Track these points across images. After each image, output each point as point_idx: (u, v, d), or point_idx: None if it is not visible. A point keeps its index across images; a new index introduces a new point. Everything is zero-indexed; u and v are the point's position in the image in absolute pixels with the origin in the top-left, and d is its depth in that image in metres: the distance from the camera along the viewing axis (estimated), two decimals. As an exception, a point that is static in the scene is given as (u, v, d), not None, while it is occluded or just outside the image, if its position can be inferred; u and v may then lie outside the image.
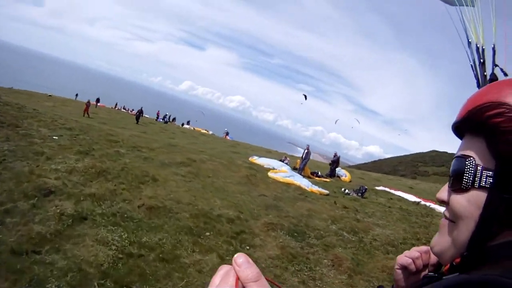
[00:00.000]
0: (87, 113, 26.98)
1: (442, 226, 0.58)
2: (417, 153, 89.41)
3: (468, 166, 0.52)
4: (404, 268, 0.78)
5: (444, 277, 0.55)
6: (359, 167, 71.74)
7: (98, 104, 41.45)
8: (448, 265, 0.56)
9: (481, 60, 0.82)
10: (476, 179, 0.51)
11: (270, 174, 13.38)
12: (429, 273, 0.71)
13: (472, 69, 0.83)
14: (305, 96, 41.31)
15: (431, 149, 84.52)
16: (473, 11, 0.89)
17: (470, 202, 0.52)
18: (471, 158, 0.52)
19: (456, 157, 0.56)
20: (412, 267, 0.76)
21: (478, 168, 0.51)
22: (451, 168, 0.56)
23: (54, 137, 11.32)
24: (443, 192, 0.58)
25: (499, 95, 0.49)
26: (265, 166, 15.31)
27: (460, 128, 0.58)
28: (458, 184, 0.53)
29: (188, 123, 45.96)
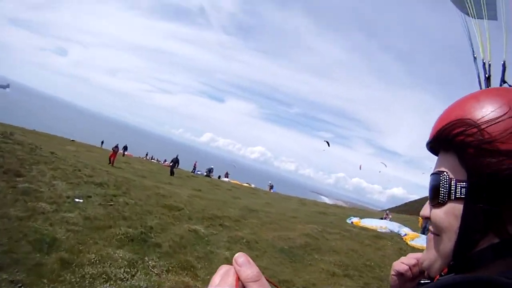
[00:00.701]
0: (112, 161, 22.58)
1: (428, 241, 0.60)
2: None
3: (443, 181, 0.55)
4: (400, 274, 0.78)
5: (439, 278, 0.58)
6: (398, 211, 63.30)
7: (126, 152, 37.56)
8: (437, 276, 0.58)
9: (487, 75, 0.87)
10: (452, 191, 0.54)
11: (411, 243, 11.91)
12: (423, 280, 0.72)
13: (479, 82, 0.87)
14: (328, 143, 41.23)
15: None
16: (481, 29, 0.93)
17: (448, 214, 0.54)
18: (445, 173, 0.55)
19: (432, 174, 0.59)
20: (409, 273, 0.77)
21: (452, 181, 0.54)
22: (428, 186, 0.59)
23: (76, 200, 6.77)
24: (425, 209, 0.60)
25: (462, 112, 0.53)
26: (378, 230, 13.50)
27: (434, 148, 0.61)
28: (436, 199, 0.56)
29: (226, 175, 42.79)
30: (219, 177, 41.16)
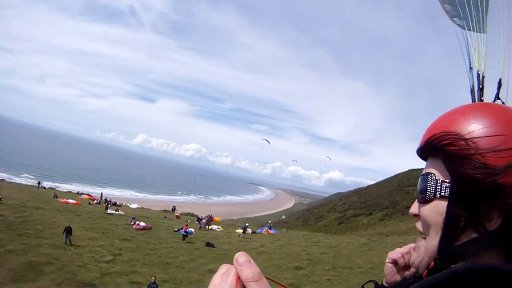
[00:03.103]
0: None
1: (418, 245, 0.77)
2: (396, 175, 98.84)
3: (430, 181, 0.71)
4: (395, 262, 1.01)
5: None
6: (350, 204, 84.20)
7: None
8: (426, 271, 0.72)
9: (480, 86, 1.00)
10: (438, 190, 0.69)
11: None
12: (417, 274, 0.83)
13: (471, 93, 1.00)
14: (268, 141, 54.86)
15: (409, 169, 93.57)
16: (478, 39, 1.07)
17: (433, 211, 0.70)
18: (432, 174, 0.71)
19: (421, 175, 0.75)
20: (402, 261, 0.99)
21: (438, 181, 0.69)
22: (418, 185, 0.75)
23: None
24: (414, 207, 0.77)
25: (451, 124, 0.70)
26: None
27: (423, 154, 0.79)
28: (424, 197, 0.72)
29: (210, 220, 34.79)
30: (200, 219, 34.77)
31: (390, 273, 1.03)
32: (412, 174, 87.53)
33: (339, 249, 24.32)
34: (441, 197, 0.69)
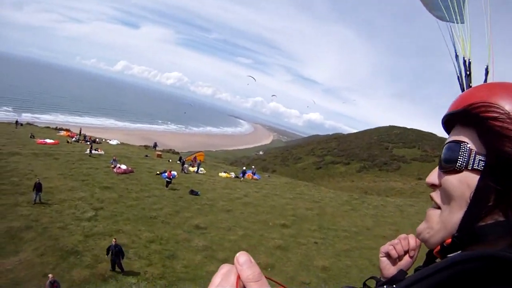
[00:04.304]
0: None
1: (429, 214, 0.70)
2: (376, 128, 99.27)
3: (463, 150, 0.64)
4: (387, 255, 0.99)
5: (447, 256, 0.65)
6: (329, 150, 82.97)
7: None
8: (438, 247, 0.67)
9: (467, 72, 0.99)
10: (470, 161, 0.62)
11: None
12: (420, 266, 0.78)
13: (458, 80, 0.99)
14: (254, 78, 52.43)
15: (390, 125, 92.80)
16: (462, 27, 1.05)
17: (462, 182, 0.63)
18: (465, 143, 0.64)
19: (450, 142, 0.68)
20: (393, 252, 0.97)
21: (472, 151, 0.62)
22: (443, 152, 0.68)
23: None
24: (433, 176, 0.71)
25: (492, 96, 0.62)
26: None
27: (452, 120, 0.71)
28: (451, 166, 0.65)
29: (194, 162, 33.89)
30: (183, 163, 30.98)
31: (385, 267, 0.99)
32: (392, 131, 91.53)
33: (322, 206, 24.34)
34: (473, 170, 0.62)
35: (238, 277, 0.47)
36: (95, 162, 26.08)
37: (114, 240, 11.79)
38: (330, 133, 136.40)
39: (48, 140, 32.36)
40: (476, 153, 0.62)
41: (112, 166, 24.54)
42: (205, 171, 31.55)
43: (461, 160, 0.63)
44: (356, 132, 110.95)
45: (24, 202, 15.77)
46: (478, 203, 0.60)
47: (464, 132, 0.66)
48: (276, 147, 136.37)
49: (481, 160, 0.61)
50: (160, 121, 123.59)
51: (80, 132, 42.94)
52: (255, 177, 33.48)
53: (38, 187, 15.75)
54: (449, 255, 0.64)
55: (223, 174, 31.67)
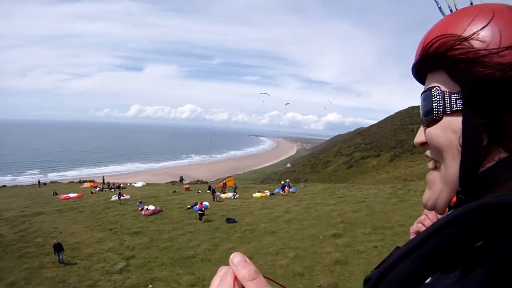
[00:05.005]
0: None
1: (430, 179, 0.61)
2: (396, 113, 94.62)
3: (435, 95, 0.56)
4: (417, 233, 0.90)
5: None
6: (356, 146, 79.49)
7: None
8: (447, 210, 0.59)
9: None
10: (446, 104, 0.55)
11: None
12: None
13: (440, 10, 0.87)
14: (267, 94, 55.22)
15: (408, 106, 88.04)
16: None
17: (444, 129, 0.55)
18: (436, 87, 0.57)
19: (422, 93, 0.61)
20: (423, 228, 0.88)
21: (446, 93, 0.55)
22: (420, 107, 0.61)
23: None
24: (419, 135, 0.63)
25: (449, 27, 0.55)
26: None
27: (420, 70, 0.63)
28: (430, 116, 0.57)
29: (223, 187, 32.51)
30: (213, 191, 28.73)
31: None
32: (413, 112, 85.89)
33: (369, 204, 21.94)
34: (452, 113, 0.55)
35: (235, 278, 0.47)
36: (121, 208, 24.81)
37: (151, 286, 10.15)
38: (352, 129, 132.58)
39: (71, 194, 31.75)
40: (450, 93, 0.55)
41: (140, 208, 23.07)
42: (238, 195, 29.77)
43: (436, 106, 0.57)
44: (378, 122, 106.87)
45: (49, 263, 14.66)
46: (470, 146, 0.52)
47: (434, 77, 0.59)
48: (302, 156, 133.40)
49: (458, 99, 0.54)
50: (183, 155, 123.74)
51: (103, 181, 42.35)
52: (291, 190, 31.39)
53: (58, 248, 14.63)
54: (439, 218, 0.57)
55: (257, 194, 29.70)
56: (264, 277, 0.49)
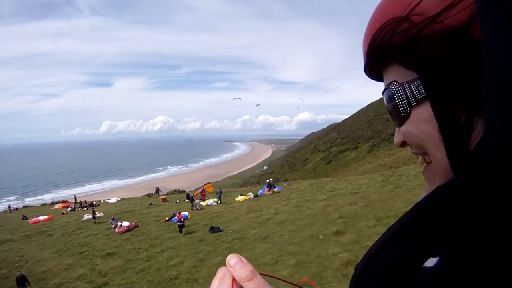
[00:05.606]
0: None
1: (426, 177, 0.55)
2: (368, 105, 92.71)
3: (394, 90, 0.51)
4: None
5: None
6: (332, 141, 77.99)
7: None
8: None
9: None
10: (410, 97, 0.49)
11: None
12: None
13: None
14: (240, 99, 55.84)
15: (380, 97, 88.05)
16: None
17: (417, 122, 0.50)
18: (394, 82, 0.52)
19: (382, 92, 0.56)
20: None
21: (405, 85, 0.50)
22: (386, 107, 0.57)
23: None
24: (397, 136, 0.57)
25: (382, 16, 0.51)
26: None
27: (374, 70, 0.59)
28: (399, 115, 0.53)
29: (202, 194, 30.26)
30: (192, 199, 26.30)
31: None
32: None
33: (364, 195, 20.06)
34: (419, 103, 0.49)
35: (233, 279, 0.47)
36: (94, 227, 22.08)
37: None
38: (325, 126, 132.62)
39: (40, 218, 28.74)
40: (409, 83, 0.49)
41: (113, 226, 20.37)
42: (219, 201, 27.20)
43: (400, 103, 0.51)
44: (351, 116, 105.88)
45: (13, 296, 12.01)
46: (448, 130, 0.46)
47: (390, 72, 0.54)
48: (278, 157, 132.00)
49: (418, 86, 0.48)
50: (160, 168, 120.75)
51: (75, 200, 39.79)
52: (275, 189, 29.14)
53: (20, 281, 12.57)
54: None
55: (240, 198, 27.31)
56: (262, 274, 0.48)
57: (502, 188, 0.31)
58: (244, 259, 0.48)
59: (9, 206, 42.05)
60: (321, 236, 14.27)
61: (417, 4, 0.45)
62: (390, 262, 0.44)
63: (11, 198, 67.84)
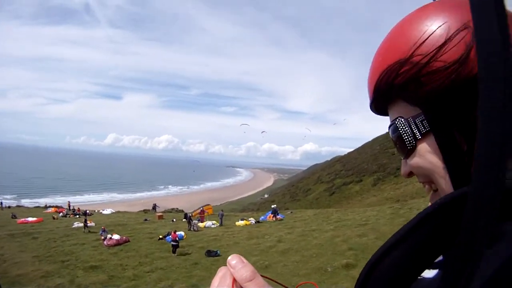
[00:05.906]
0: None
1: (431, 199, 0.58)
2: (374, 139, 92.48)
3: (400, 126, 0.55)
4: None
5: None
6: (336, 173, 77.21)
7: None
8: None
9: None
10: (415, 131, 0.53)
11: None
12: None
13: None
14: (248, 124, 56.07)
15: (386, 131, 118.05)
16: None
17: (423, 154, 0.54)
18: (399, 118, 0.56)
19: (389, 127, 0.61)
20: None
21: (410, 121, 0.54)
22: (392, 141, 0.61)
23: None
24: (404, 167, 0.61)
25: (386, 59, 0.55)
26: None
27: (379, 107, 0.64)
28: (405, 149, 0.56)
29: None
30: (189, 219, 24.34)
31: None
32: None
33: (374, 227, 18.59)
34: (423, 136, 0.53)
35: (234, 279, 0.47)
36: (82, 236, 20.68)
37: None
38: (329, 158, 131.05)
39: (29, 219, 27.72)
40: (414, 119, 0.54)
41: (102, 238, 18.87)
42: (218, 224, 25.61)
43: (406, 137, 0.55)
44: (356, 149, 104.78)
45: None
46: (452, 161, 0.50)
47: (395, 109, 0.58)
48: (280, 186, 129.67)
49: (422, 120, 0.52)
50: (161, 186, 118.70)
51: (69, 206, 39.01)
52: (278, 216, 27.53)
53: None
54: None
55: (241, 223, 25.68)
56: (263, 276, 0.48)
57: (475, 206, 0.32)
58: (245, 260, 0.48)
59: (1, 203, 41.22)
60: (329, 269, 12.73)
61: (422, 44, 0.50)
62: (390, 270, 0.45)
63: (8, 197, 65.85)
